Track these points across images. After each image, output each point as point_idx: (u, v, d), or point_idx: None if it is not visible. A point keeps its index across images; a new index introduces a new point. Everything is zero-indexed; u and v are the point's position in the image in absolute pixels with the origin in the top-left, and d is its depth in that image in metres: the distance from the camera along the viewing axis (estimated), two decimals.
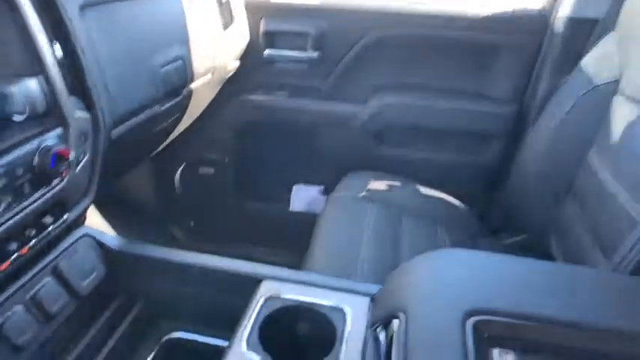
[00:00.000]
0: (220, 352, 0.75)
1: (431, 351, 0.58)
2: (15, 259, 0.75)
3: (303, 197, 1.82)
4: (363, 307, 0.80)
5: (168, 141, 1.52)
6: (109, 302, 0.91)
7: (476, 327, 0.60)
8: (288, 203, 1.85)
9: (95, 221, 1.76)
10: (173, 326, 0.95)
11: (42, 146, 0.77)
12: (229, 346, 0.74)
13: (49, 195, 0.80)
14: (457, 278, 0.69)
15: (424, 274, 0.71)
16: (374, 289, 0.84)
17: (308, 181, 1.84)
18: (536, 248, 1.25)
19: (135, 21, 1.06)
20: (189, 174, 1.86)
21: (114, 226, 1.89)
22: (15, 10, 0.74)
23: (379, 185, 1.48)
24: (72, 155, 0.82)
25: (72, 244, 0.88)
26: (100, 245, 0.93)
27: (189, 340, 0.93)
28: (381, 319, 0.71)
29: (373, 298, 0.82)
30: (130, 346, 0.89)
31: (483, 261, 0.74)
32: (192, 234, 1.93)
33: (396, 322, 0.65)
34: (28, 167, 0.75)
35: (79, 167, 0.88)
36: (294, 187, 1.85)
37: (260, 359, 0.70)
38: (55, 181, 0.81)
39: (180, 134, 1.56)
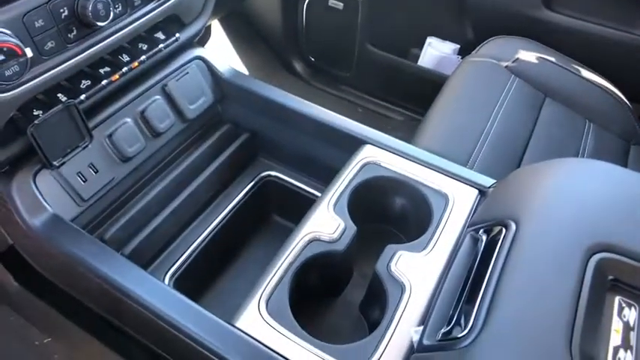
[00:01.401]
0: (310, 201, 0.73)
1: (536, 279, 0.48)
2: (126, 72, 0.75)
3: (434, 53, 1.62)
4: (469, 199, 0.71)
5: None
6: (214, 129, 0.92)
7: (599, 266, 0.49)
8: (418, 57, 1.67)
9: (214, 44, 1.77)
10: (271, 165, 0.95)
11: None
12: (317, 202, 0.71)
13: (161, 9, 0.76)
14: (590, 199, 0.55)
15: (550, 186, 0.58)
16: (486, 182, 0.73)
17: (444, 37, 1.61)
18: None
19: None
20: (317, 5, 1.72)
21: (235, 48, 1.90)
22: None
23: (529, 56, 1.23)
24: None
25: (183, 65, 0.86)
26: (212, 71, 0.91)
27: (284, 181, 0.93)
28: (486, 221, 0.61)
29: (483, 193, 0.72)
30: (229, 174, 0.91)
31: (630, 181, 0.58)
32: (312, 69, 1.87)
33: (502, 231, 0.56)
34: None
35: None
36: (427, 39, 1.64)
37: (344, 226, 0.67)
38: None
39: None
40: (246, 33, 1.89)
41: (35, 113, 0.66)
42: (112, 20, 0.68)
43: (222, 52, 1.85)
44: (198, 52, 0.89)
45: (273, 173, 0.93)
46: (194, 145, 0.90)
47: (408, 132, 1.08)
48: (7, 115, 0.62)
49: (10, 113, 0.63)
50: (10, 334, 0.95)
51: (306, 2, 1.73)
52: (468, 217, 0.68)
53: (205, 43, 1.64)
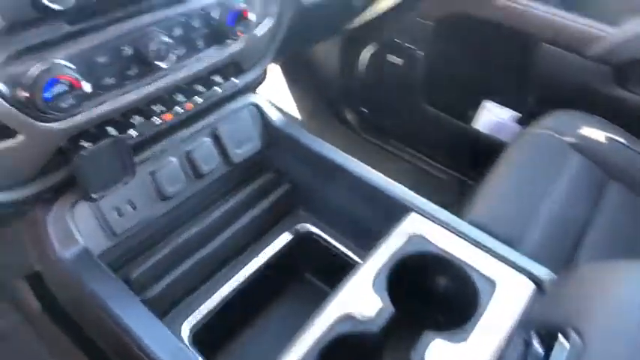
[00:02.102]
0: (347, 264, 0.68)
1: None
2: (179, 112, 0.74)
3: (491, 117, 1.57)
4: (521, 291, 0.64)
5: (364, 19, 1.38)
6: (257, 176, 0.90)
7: None
8: (473, 119, 1.62)
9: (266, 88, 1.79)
10: (310, 220, 0.91)
11: (223, 1, 0.70)
12: (355, 271, 0.66)
13: (222, 54, 0.76)
14: None
15: (620, 296, 0.51)
16: (540, 272, 0.66)
17: (503, 102, 1.56)
18: None
19: None
20: (375, 58, 1.72)
21: (290, 90, 1.92)
22: None
23: (595, 134, 1.16)
24: (252, 16, 0.75)
25: (236, 110, 0.86)
26: (263, 118, 0.90)
27: (322, 239, 0.89)
28: (540, 323, 0.55)
29: (537, 286, 0.65)
30: (266, 224, 0.89)
31: None
32: (364, 121, 1.85)
33: (561, 340, 0.49)
34: (205, 21, 0.70)
35: (259, 30, 0.81)
36: (485, 103, 1.59)
37: (381, 305, 0.62)
38: (230, 41, 0.75)
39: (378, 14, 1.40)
40: (301, 77, 1.91)
41: (83, 144, 0.66)
42: (174, 62, 0.68)
43: (275, 92, 1.87)
44: (253, 98, 0.89)
45: (311, 229, 0.90)
46: (235, 189, 0.89)
47: (456, 194, 1.03)
48: (56, 144, 0.62)
49: (60, 143, 0.63)
50: (24, 353, 0.94)
51: (366, 55, 1.73)
52: (518, 313, 0.61)
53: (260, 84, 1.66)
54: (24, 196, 0.64)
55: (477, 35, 1.49)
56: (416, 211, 0.74)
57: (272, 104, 0.91)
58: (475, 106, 1.61)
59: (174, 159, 0.78)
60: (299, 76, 1.89)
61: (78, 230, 0.68)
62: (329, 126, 1.84)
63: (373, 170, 0.81)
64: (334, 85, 1.81)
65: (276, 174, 0.91)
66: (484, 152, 1.17)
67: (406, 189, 0.78)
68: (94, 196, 0.67)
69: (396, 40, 1.60)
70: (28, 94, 0.55)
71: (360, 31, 1.50)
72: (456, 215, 0.75)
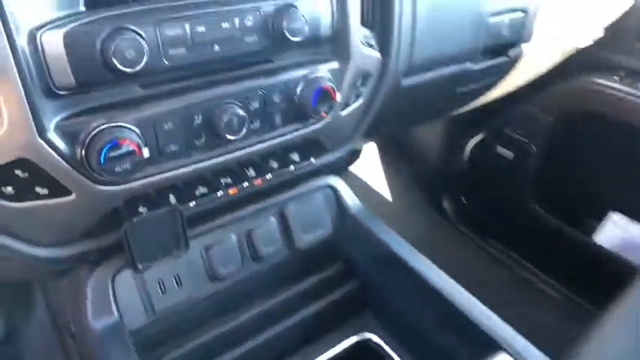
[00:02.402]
0: None
1: None
2: (246, 187, 0.69)
3: (618, 233, 1.33)
4: None
5: (471, 105, 1.27)
6: (322, 267, 0.80)
7: None
8: (592, 230, 1.39)
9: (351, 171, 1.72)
10: (376, 328, 0.78)
11: (309, 77, 0.65)
12: None
13: (300, 133, 0.70)
14: None
15: None
16: None
17: (633, 216, 1.32)
18: None
19: None
20: (482, 147, 1.58)
21: (382, 166, 1.83)
22: None
23: None
24: (339, 97, 0.68)
25: (310, 190, 0.78)
26: (339, 203, 0.81)
27: (386, 355, 0.75)
28: None
29: None
30: (322, 325, 0.77)
31: None
32: (462, 211, 1.69)
33: None
34: (286, 96, 0.65)
35: (346, 111, 0.75)
36: (612, 215, 1.36)
37: None
38: (312, 121, 0.69)
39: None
40: (397, 155, 1.83)
41: (140, 209, 0.62)
42: (246, 135, 0.63)
43: (365, 167, 1.80)
44: (330, 180, 0.81)
45: (375, 339, 0.76)
46: (295, 278, 0.79)
47: (565, 317, 0.84)
48: (109, 207, 0.59)
49: (112, 206, 0.59)
50: None
51: (472, 143, 1.61)
52: None
53: (349, 164, 1.60)
54: (69, 254, 0.61)
55: (604, 136, 1.30)
56: (507, 352, 0.58)
57: (350, 189, 0.82)
58: (597, 215, 1.38)
59: (233, 236, 0.71)
60: (394, 154, 1.81)
61: (116, 300, 0.63)
62: (421, 211, 1.71)
63: (462, 289, 0.67)
64: (432, 168, 1.70)
65: (345, 267, 0.81)
66: (607, 273, 0.97)
67: (497, 319, 0.63)
68: (139, 266, 0.62)
69: (506, 131, 1.46)
70: (84, 153, 0.52)
71: (467, 117, 1.39)
72: None
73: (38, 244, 0.59)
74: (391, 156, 1.82)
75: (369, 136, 0.94)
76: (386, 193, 1.78)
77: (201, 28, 0.55)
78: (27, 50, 0.47)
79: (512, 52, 1.01)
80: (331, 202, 0.81)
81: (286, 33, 0.60)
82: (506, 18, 0.90)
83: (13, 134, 0.48)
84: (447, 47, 0.87)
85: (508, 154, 1.50)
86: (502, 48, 0.99)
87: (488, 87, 1.14)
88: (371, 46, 0.74)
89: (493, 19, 0.90)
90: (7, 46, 0.45)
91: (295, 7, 0.60)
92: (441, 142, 1.64)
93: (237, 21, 0.57)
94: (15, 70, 0.46)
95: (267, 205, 0.75)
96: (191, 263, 0.68)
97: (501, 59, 1.00)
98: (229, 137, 0.60)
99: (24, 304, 0.92)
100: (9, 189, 0.51)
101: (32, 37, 0.47)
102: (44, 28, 0.47)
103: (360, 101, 0.77)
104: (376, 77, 0.78)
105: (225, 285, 0.71)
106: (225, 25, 0.57)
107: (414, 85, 0.89)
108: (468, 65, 0.95)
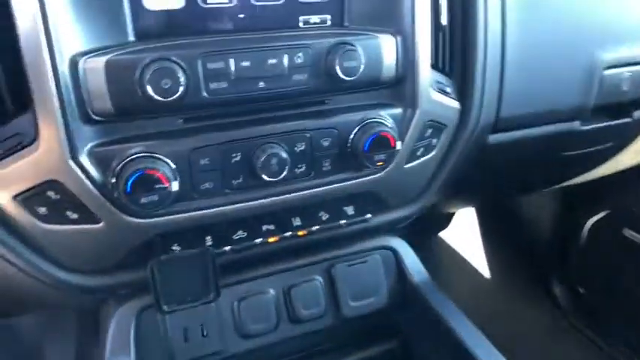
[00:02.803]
0: None
1: None
2: (289, 237, 0.63)
3: None
4: None
5: (589, 175, 1.08)
6: (373, 340, 0.69)
7: None
8: None
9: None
10: None
11: (365, 122, 0.59)
12: None
13: (353, 183, 0.63)
14: None
15: None
16: None
17: None
18: None
19: None
20: (605, 228, 1.34)
21: (481, 237, 1.63)
22: None
23: None
24: (400, 145, 0.61)
25: (365, 250, 0.70)
26: (399, 269, 0.71)
27: None
28: None
29: None
30: None
31: None
32: (578, 304, 1.42)
33: None
34: (337, 141, 0.59)
35: (412, 164, 0.66)
36: None
37: None
38: (367, 171, 0.62)
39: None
40: (500, 227, 1.63)
41: (171, 246, 0.59)
42: (287, 179, 0.58)
43: (459, 234, 1.62)
44: (391, 241, 0.71)
45: None
46: (338, 351, 0.69)
47: None
48: (138, 240, 0.57)
49: (142, 240, 0.57)
50: None
51: (593, 222, 1.37)
52: None
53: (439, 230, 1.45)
54: (96, 284, 0.60)
55: None
56: None
57: (413, 254, 0.71)
58: None
59: (271, 291, 0.65)
60: (496, 223, 1.62)
61: (135, 342, 0.59)
62: (525, 295, 1.47)
63: None
64: (542, 246, 1.47)
65: (398, 346, 0.69)
66: None
67: None
68: (165, 307, 0.59)
69: (635, 210, 1.22)
70: (114, 181, 0.51)
71: (586, 189, 1.19)
72: None
73: (67, 269, 0.58)
74: (492, 226, 1.63)
75: (452, 198, 0.83)
76: (482, 268, 1.57)
77: (245, 63, 0.53)
78: (68, 75, 0.48)
79: (636, 113, 0.85)
80: (390, 267, 0.71)
81: (339, 73, 0.55)
82: (623, 72, 0.76)
83: (47, 155, 0.49)
84: (546, 102, 0.75)
85: (638, 237, 1.24)
86: (623, 107, 0.83)
87: (608, 154, 0.96)
88: (446, 93, 0.66)
89: (609, 72, 0.76)
90: (50, 69, 0.46)
91: (351, 44, 0.55)
92: (553, 217, 1.43)
93: (285, 57, 0.54)
94: (55, 93, 0.47)
95: (313, 260, 0.67)
96: (220, 314, 0.63)
97: (622, 121, 0.84)
98: (266, 179, 0.56)
99: (92, 330, 0.93)
100: (42, 209, 0.52)
101: (74, 64, 0.48)
102: (87, 56, 0.48)
103: (431, 155, 0.68)
104: (452, 130, 0.69)
105: (254, 345, 0.64)
106: (271, 61, 0.54)
107: (504, 143, 0.77)
108: (576, 125, 0.80)
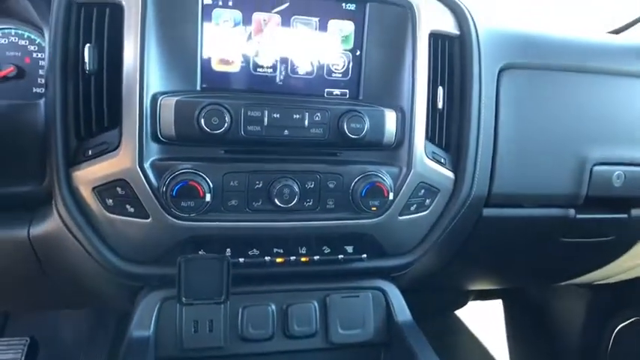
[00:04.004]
0: None
1: None
2: (292, 262, 0.75)
3: None
4: None
5: (611, 274, 1.10)
6: None
7: None
8: None
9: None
10: None
11: (366, 173, 0.73)
12: None
13: (351, 222, 0.75)
14: None
15: None
16: None
17: None
18: None
19: (572, 97, 0.83)
20: (634, 335, 1.31)
21: (506, 326, 1.60)
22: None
23: None
24: (392, 196, 0.74)
25: (358, 287, 0.80)
26: (388, 311, 0.80)
27: None
28: None
29: None
30: None
31: None
32: None
33: None
34: (341, 185, 0.73)
35: (406, 217, 0.78)
36: None
37: None
38: (364, 215, 0.75)
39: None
40: (524, 318, 1.60)
41: (199, 250, 0.74)
42: (297, 209, 0.72)
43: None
44: (382, 283, 0.81)
45: None
46: None
47: None
48: (174, 239, 0.72)
49: (178, 239, 0.72)
50: None
51: (620, 326, 1.34)
52: None
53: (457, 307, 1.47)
54: (138, 272, 0.75)
55: None
56: None
57: (401, 298, 0.80)
58: None
59: (271, 305, 0.77)
60: (521, 315, 1.60)
61: (155, 322, 0.73)
62: None
63: None
64: (570, 347, 1.43)
65: None
66: None
67: None
68: (184, 299, 0.72)
69: None
70: (165, 188, 0.68)
71: (613, 291, 1.19)
72: None
73: (121, 257, 0.74)
74: (518, 321, 1.62)
75: (456, 268, 0.91)
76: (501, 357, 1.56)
77: (276, 114, 0.70)
78: (149, 107, 0.67)
79: (636, 212, 0.91)
80: (380, 306, 0.80)
81: (347, 131, 0.71)
82: (608, 171, 0.85)
83: (123, 161, 0.67)
84: (537, 187, 0.85)
85: None
86: (619, 202, 0.90)
87: (612, 251, 1.00)
88: (441, 163, 0.79)
89: (599, 168, 0.85)
90: (137, 102, 0.66)
91: (359, 112, 0.71)
92: (580, 316, 1.41)
93: (307, 114, 0.71)
94: (137, 119, 0.66)
95: (312, 287, 0.79)
96: (227, 316, 0.74)
97: (618, 215, 0.90)
98: (279, 204, 0.70)
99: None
100: (110, 201, 0.70)
101: (155, 100, 0.67)
102: (164, 96, 0.68)
103: (425, 213, 0.79)
104: (446, 195, 0.81)
105: (252, 350, 0.75)
106: (296, 116, 0.71)
107: (498, 217, 0.87)
108: (571, 213, 0.88)
